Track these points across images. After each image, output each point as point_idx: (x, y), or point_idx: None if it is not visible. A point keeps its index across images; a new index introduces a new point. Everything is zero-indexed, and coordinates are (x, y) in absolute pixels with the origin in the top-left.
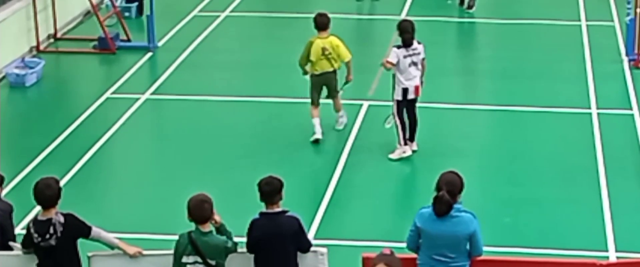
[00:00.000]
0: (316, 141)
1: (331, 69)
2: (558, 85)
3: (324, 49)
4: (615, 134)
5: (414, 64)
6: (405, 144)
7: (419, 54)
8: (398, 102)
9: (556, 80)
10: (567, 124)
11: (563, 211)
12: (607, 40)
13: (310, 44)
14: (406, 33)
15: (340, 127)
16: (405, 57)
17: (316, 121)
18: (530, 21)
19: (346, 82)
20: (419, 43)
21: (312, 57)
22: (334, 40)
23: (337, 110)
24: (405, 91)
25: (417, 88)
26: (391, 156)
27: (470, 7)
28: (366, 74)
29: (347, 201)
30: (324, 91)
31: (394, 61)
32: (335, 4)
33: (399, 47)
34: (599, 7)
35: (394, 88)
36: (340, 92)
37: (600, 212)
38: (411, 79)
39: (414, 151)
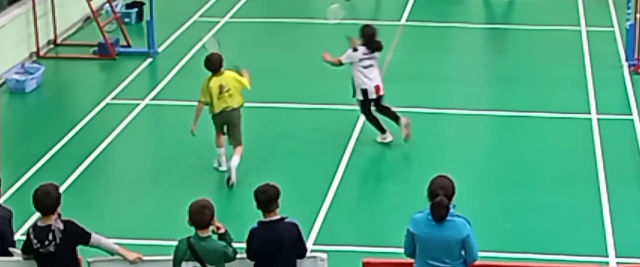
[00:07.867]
0: None
1: None
2: (558, 91)
3: None
4: (615, 140)
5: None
6: (384, 132)
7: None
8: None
9: (556, 85)
10: (568, 130)
11: (563, 216)
12: (607, 46)
13: None
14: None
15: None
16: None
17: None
18: (530, 27)
19: None
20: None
21: None
22: None
23: None
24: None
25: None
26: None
27: None
28: None
29: (347, 206)
30: None
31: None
32: None
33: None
34: (598, 13)
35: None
36: None
37: (601, 217)
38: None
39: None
